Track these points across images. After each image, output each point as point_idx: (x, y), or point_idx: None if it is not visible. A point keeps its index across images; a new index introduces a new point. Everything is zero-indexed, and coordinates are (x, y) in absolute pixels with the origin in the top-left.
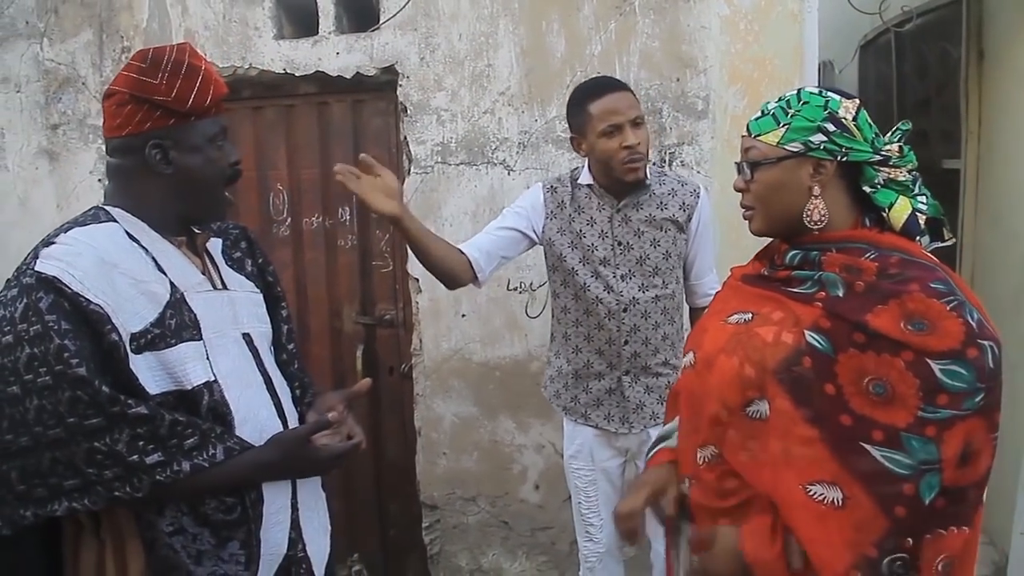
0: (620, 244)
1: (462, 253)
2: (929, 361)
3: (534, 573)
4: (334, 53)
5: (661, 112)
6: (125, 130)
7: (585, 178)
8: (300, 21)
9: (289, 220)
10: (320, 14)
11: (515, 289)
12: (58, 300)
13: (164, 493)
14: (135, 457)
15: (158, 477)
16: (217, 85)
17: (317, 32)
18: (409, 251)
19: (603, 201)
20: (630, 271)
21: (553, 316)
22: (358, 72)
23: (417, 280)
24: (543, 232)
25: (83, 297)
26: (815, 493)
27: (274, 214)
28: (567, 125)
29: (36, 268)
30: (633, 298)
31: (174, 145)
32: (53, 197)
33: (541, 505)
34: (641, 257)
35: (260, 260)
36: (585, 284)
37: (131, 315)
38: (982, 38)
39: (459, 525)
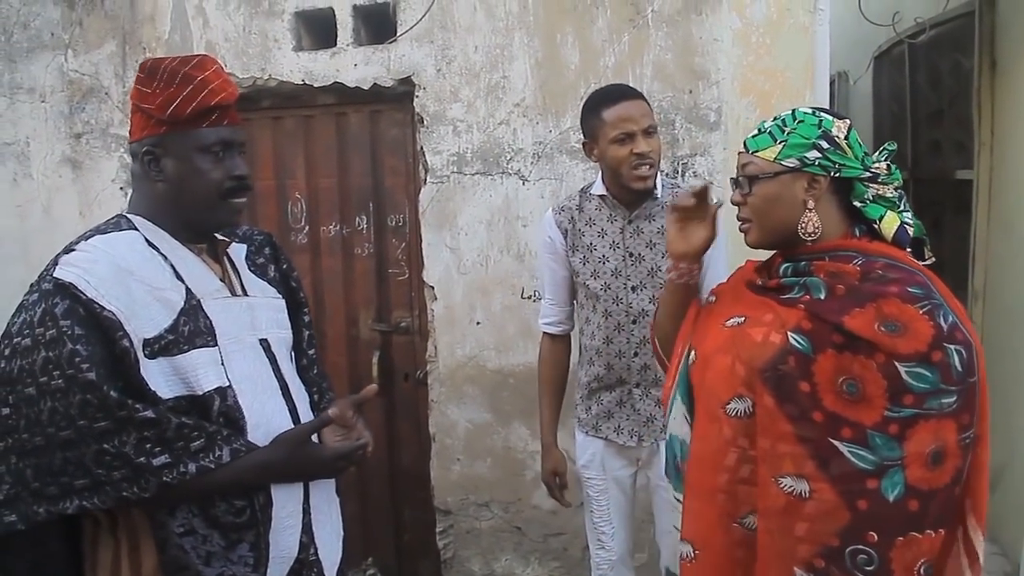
0: (631, 256)
1: (555, 341)
2: (896, 363)
3: None
4: (352, 65)
5: (674, 123)
6: (133, 137)
7: (598, 188)
8: (318, 33)
9: (307, 228)
10: (338, 26)
11: (529, 297)
12: (73, 306)
13: (171, 494)
14: (142, 459)
15: (165, 478)
16: (209, 95)
17: (335, 44)
18: (425, 259)
19: (615, 212)
20: (641, 283)
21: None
22: (375, 83)
23: (432, 288)
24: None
25: (97, 303)
26: (785, 485)
27: (292, 222)
28: (580, 130)
29: (55, 274)
30: (643, 310)
31: (165, 153)
32: (76, 205)
33: (554, 511)
34: (652, 269)
35: (284, 266)
36: (596, 296)
37: (145, 321)
38: (995, 49)
39: (472, 530)
